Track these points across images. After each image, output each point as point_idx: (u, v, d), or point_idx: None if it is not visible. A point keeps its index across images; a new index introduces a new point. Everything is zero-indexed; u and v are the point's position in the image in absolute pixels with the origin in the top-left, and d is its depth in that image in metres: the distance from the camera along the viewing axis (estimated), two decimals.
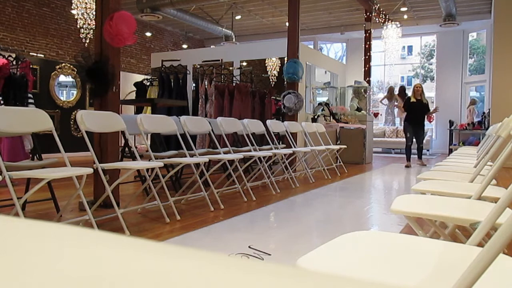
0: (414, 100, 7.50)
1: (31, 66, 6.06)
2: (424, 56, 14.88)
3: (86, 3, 7.10)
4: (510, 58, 8.04)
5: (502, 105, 7.88)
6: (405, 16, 10.77)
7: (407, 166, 7.54)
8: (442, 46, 11.94)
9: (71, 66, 8.91)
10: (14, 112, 2.58)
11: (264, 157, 4.46)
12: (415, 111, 7.50)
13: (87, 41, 7.27)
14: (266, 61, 10.82)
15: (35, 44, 8.72)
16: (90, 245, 0.24)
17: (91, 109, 3.80)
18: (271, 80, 10.60)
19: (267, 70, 10.84)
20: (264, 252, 2.30)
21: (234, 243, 2.50)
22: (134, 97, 8.31)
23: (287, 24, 6.65)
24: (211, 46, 12.66)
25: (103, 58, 3.39)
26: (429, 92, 14.59)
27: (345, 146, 6.69)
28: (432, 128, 11.82)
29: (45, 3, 8.97)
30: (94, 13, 5.14)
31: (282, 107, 6.38)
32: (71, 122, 8.82)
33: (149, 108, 6.76)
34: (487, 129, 6.58)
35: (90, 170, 2.45)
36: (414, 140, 7.72)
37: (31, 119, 2.63)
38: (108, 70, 3.35)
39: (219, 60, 7.68)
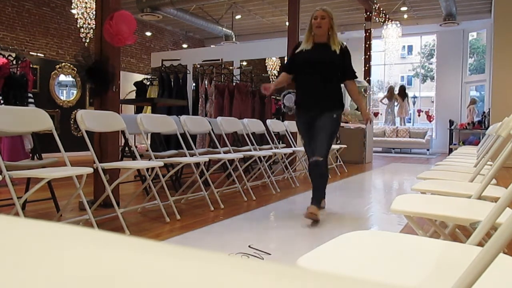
0: (309, 47, 3.23)
1: (31, 66, 6.05)
2: (424, 55, 14.88)
3: (86, 2, 7.10)
4: (510, 58, 8.04)
5: (502, 105, 7.88)
6: (405, 16, 10.77)
7: (311, 217, 2.97)
8: (442, 46, 11.93)
9: (71, 66, 8.90)
10: (14, 112, 2.58)
11: (264, 157, 4.46)
12: (305, 73, 3.27)
13: (87, 40, 7.27)
14: (266, 61, 10.82)
15: (35, 44, 8.72)
16: (90, 245, 0.24)
17: (91, 109, 3.80)
18: (271, 79, 10.60)
19: (267, 69, 10.84)
20: (264, 252, 2.30)
21: (234, 243, 2.50)
22: (134, 97, 8.31)
23: (287, 23, 6.64)
24: (211, 46, 12.66)
25: (103, 57, 3.39)
26: (429, 92, 14.60)
27: (345, 146, 6.69)
28: (432, 128, 11.82)
29: (45, 2, 8.96)
30: (94, 12, 5.13)
31: (282, 106, 6.38)
32: (71, 122, 8.82)
33: (149, 107, 6.76)
34: (487, 128, 6.58)
35: (90, 170, 2.45)
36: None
37: (31, 119, 2.63)
38: (108, 69, 3.35)
39: (219, 60, 7.68)
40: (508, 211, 0.97)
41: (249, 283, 0.20)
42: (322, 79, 3.22)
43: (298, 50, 3.30)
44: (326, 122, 3.21)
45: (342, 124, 7.61)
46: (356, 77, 3.39)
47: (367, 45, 9.68)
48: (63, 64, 8.86)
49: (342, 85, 3.42)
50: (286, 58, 6.63)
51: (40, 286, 0.18)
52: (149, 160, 3.35)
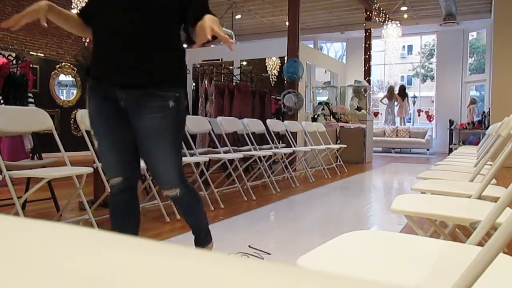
0: None
1: (31, 66, 6.05)
2: (424, 55, 14.88)
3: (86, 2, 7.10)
4: (510, 58, 8.04)
5: (502, 105, 7.88)
6: (405, 16, 10.77)
7: None
8: (442, 46, 11.93)
9: (71, 66, 8.90)
10: (14, 112, 2.58)
11: (264, 157, 4.46)
12: (103, 17, 1.71)
13: (87, 40, 7.26)
14: (266, 61, 10.81)
15: (35, 43, 8.72)
16: (90, 245, 0.24)
17: None
18: (271, 79, 10.60)
19: (267, 69, 10.84)
20: (264, 252, 2.30)
21: (234, 243, 2.50)
22: None
23: (287, 23, 6.64)
24: (211, 45, 12.65)
25: None
26: (429, 92, 14.59)
27: (345, 146, 6.69)
28: (432, 128, 11.82)
29: None
30: None
31: (282, 106, 6.38)
32: (71, 122, 8.82)
33: None
34: (487, 128, 6.58)
35: (90, 170, 2.45)
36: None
37: (31, 119, 2.63)
38: None
39: (219, 60, 7.68)
40: (508, 211, 0.97)
41: (249, 283, 0.20)
42: (132, 25, 1.62)
43: None
44: (158, 122, 1.63)
45: (342, 124, 7.62)
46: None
47: (367, 45, 9.68)
48: (63, 64, 8.86)
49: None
50: (286, 58, 6.62)
51: (40, 286, 0.18)
52: None
